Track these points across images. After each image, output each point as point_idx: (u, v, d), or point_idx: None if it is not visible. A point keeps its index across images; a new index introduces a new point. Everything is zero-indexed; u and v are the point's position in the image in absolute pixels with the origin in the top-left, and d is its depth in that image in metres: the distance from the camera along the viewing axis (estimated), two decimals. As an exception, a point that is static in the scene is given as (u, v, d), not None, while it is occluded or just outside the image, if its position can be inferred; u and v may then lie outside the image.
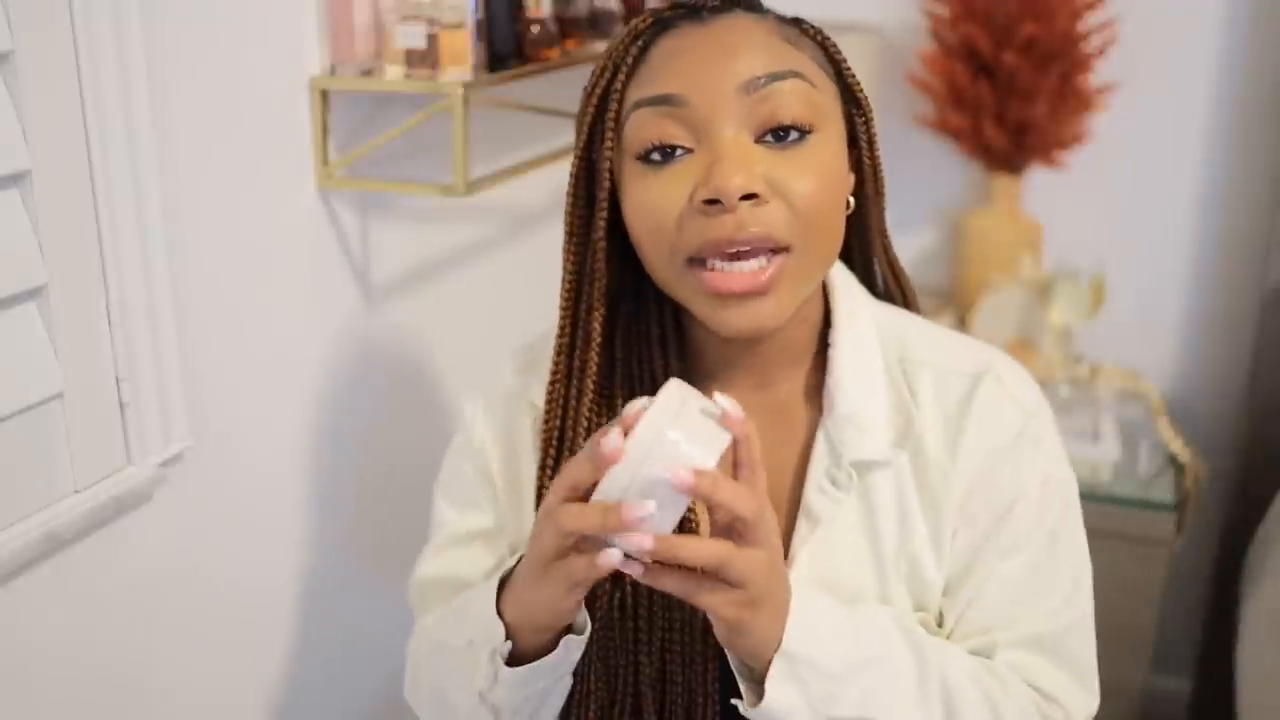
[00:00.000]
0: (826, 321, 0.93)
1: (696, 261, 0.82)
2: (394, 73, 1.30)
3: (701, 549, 0.73)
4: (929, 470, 0.90)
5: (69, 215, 1.01)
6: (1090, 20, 1.97)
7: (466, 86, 1.27)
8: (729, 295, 0.81)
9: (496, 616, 0.85)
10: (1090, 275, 1.92)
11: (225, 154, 1.19)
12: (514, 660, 0.85)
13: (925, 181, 2.22)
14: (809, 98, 0.82)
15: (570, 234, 0.90)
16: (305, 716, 1.41)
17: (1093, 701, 0.92)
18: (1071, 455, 1.80)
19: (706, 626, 0.87)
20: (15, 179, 0.97)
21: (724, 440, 0.73)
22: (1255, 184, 2.05)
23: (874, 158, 0.91)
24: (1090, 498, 1.82)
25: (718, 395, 0.74)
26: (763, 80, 0.80)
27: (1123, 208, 2.13)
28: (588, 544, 0.75)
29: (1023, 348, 2.02)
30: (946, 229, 2.24)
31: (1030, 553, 0.90)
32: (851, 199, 0.89)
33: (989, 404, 0.91)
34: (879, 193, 0.93)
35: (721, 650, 0.85)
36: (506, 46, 1.40)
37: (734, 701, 0.82)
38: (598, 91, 0.86)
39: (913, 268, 2.27)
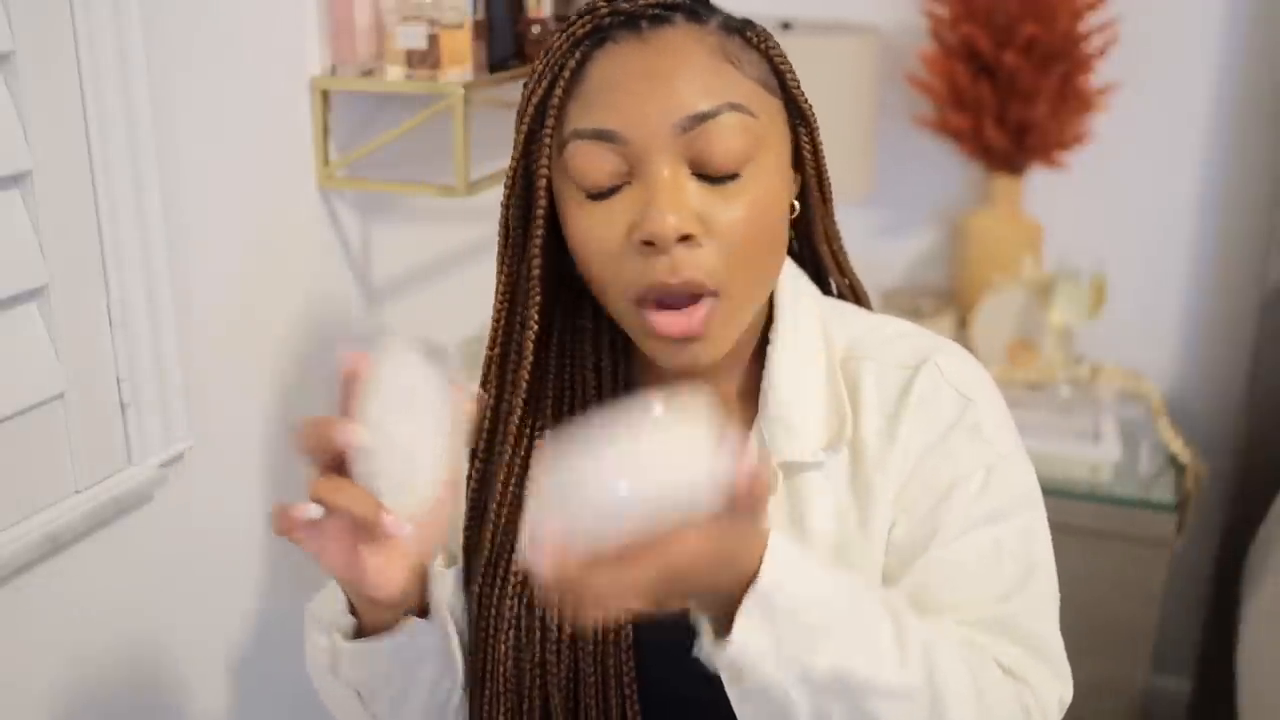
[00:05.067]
0: (772, 317, 0.93)
1: (640, 300, 0.83)
2: (394, 73, 1.30)
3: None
4: (868, 470, 0.89)
5: (69, 215, 1.01)
6: (1091, 20, 1.97)
7: (467, 87, 1.27)
8: (667, 339, 0.83)
9: (338, 585, 0.83)
10: (1091, 275, 1.92)
11: (226, 154, 1.19)
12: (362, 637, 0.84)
13: (925, 182, 2.22)
14: (746, 130, 0.82)
15: (505, 244, 0.90)
16: (306, 715, 1.41)
17: (1061, 686, 0.87)
18: (1072, 455, 1.85)
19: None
20: (16, 179, 0.97)
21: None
22: (1255, 184, 2.05)
23: (819, 169, 0.91)
24: (1090, 498, 1.83)
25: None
26: (698, 117, 0.80)
27: (1123, 208, 2.13)
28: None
29: (1023, 348, 2.02)
30: (947, 229, 2.24)
31: (972, 540, 0.87)
32: (796, 203, 0.90)
33: (926, 393, 0.89)
34: (825, 200, 0.93)
35: (638, 644, 0.85)
36: (507, 47, 1.40)
37: (704, 641, 0.75)
38: (534, 102, 0.85)
39: (913, 268, 2.31)
